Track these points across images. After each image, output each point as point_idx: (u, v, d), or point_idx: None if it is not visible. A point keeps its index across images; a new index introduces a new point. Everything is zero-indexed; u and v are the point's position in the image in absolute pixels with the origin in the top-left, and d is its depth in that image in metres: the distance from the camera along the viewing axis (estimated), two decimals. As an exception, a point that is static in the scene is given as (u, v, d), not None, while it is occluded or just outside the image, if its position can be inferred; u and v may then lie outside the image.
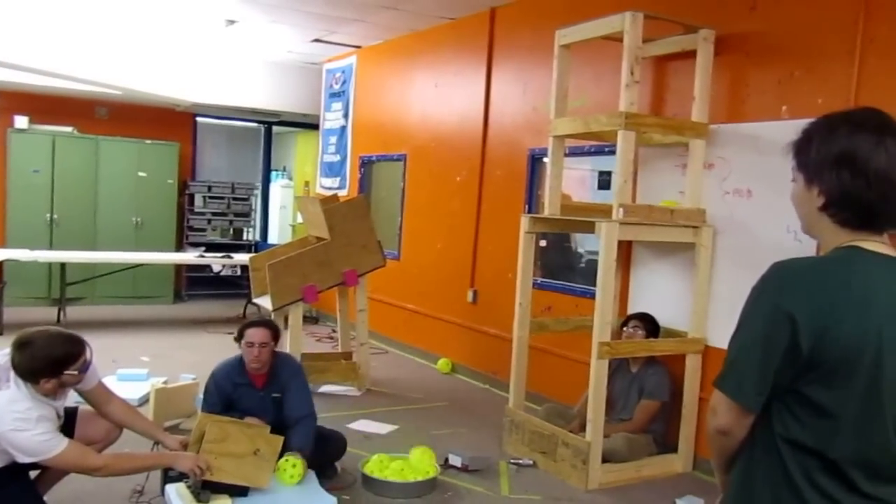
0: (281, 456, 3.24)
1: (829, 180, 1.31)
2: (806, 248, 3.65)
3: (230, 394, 3.58)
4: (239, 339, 3.59)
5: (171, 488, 3.04)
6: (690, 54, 4.15)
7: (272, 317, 5.01)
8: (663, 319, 4.28)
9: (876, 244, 1.31)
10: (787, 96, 3.87)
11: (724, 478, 1.44)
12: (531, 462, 4.16)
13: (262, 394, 3.61)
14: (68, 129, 8.48)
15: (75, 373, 2.74)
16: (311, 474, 3.34)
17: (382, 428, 4.61)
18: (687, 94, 4.19)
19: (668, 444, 4.18)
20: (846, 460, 1.26)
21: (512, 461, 4.19)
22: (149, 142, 8.86)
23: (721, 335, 4.02)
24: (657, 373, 4.17)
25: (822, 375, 1.25)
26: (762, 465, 1.32)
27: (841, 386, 1.25)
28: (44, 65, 7.40)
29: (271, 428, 3.24)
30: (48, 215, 8.33)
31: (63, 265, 7.56)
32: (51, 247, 8.16)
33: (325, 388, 5.32)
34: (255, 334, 3.55)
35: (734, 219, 4.04)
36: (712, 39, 4.08)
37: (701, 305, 4.12)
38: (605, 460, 3.88)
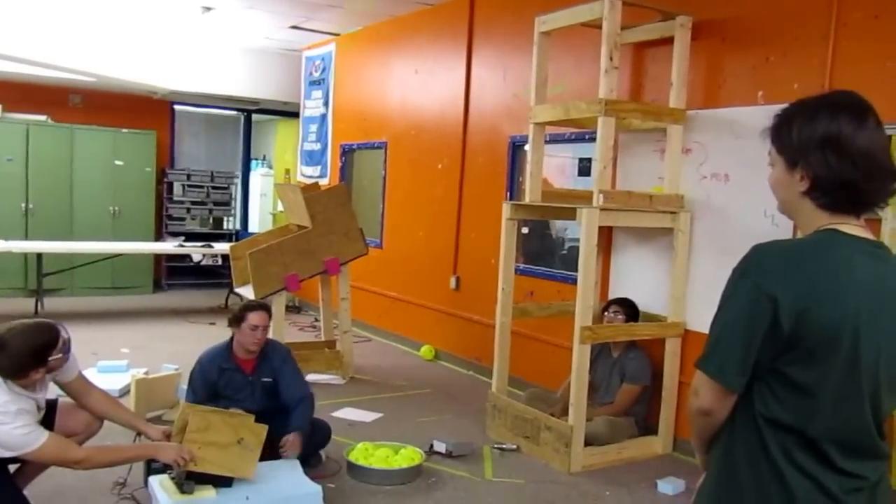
0: (274, 440, 3.25)
1: (815, 163, 1.32)
2: (783, 231, 3.71)
3: (216, 380, 3.57)
4: (237, 322, 3.58)
5: (154, 480, 3.03)
6: (668, 41, 4.17)
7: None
8: (643, 304, 4.32)
9: (854, 227, 1.33)
10: (762, 81, 3.90)
11: (706, 457, 1.46)
12: (515, 446, 4.20)
13: (250, 379, 3.62)
14: (42, 117, 8.33)
15: (59, 355, 2.72)
16: (296, 463, 3.35)
17: (367, 416, 4.62)
18: (664, 80, 4.21)
19: (648, 427, 4.25)
20: (824, 438, 1.29)
21: (496, 446, 4.22)
22: (125, 130, 8.73)
23: (699, 319, 4.07)
24: (638, 357, 4.23)
25: (802, 355, 1.28)
26: (742, 443, 1.35)
27: (820, 365, 1.28)
28: (15, 51, 7.25)
29: (258, 415, 3.23)
30: (23, 205, 8.19)
31: (39, 255, 7.46)
32: (26, 237, 8.05)
33: (308, 377, 5.28)
34: (259, 317, 3.59)
35: (712, 203, 4.09)
36: (689, 26, 4.10)
37: (679, 290, 4.17)
38: (587, 443, 3.93)
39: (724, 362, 1.33)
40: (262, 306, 3.70)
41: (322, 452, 3.79)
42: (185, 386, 3.78)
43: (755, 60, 3.93)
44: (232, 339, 3.65)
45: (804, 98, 1.38)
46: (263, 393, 3.60)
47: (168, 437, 3.05)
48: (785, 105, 1.39)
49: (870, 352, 1.29)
